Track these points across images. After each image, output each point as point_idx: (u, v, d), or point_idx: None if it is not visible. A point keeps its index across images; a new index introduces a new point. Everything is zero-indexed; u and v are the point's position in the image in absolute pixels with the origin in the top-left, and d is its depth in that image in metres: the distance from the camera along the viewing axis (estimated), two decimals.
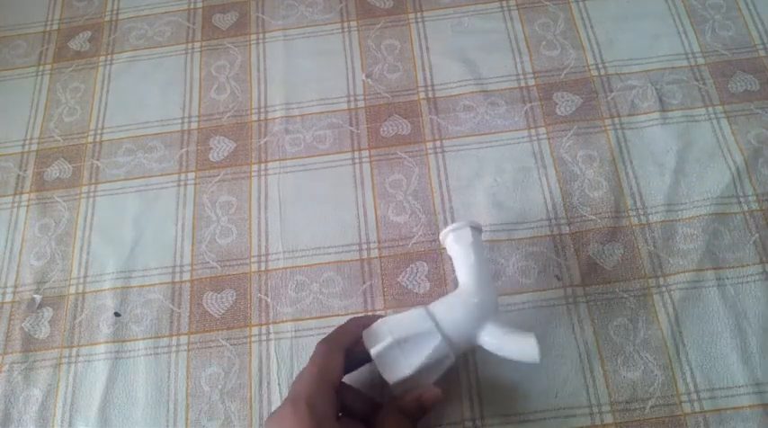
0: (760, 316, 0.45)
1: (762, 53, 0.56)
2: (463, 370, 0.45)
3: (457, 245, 0.43)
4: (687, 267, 0.47)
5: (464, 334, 0.41)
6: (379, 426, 0.38)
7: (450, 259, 0.45)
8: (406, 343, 0.39)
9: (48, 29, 0.64)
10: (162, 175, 0.55)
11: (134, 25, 0.63)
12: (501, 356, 0.42)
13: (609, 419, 0.43)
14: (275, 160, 0.54)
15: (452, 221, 0.50)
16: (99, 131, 0.57)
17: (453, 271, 0.46)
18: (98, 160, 0.56)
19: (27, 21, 0.65)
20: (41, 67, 0.62)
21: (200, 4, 0.64)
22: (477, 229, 0.44)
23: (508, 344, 0.41)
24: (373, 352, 0.39)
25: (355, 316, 0.43)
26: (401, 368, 0.39)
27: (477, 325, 0.41)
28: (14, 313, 0.50)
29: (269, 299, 0.49)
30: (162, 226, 0.52)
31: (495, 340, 0.41)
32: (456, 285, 0.43)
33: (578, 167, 0.52)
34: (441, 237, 0.45)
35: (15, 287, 0.51)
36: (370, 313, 0.47)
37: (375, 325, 0.40)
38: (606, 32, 0.58)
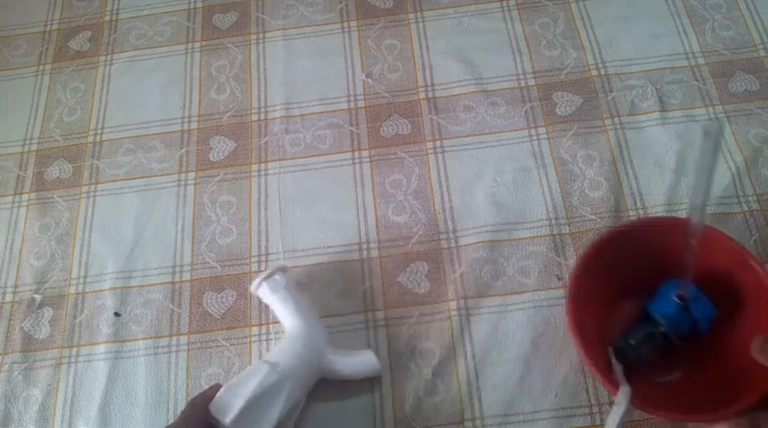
0: None
1: (762, 53, 0.56)
2: (463, 370, 0.45)
3: (273, 294, 0.44)
4: None
5: (309, 374, 0.42)
6: None
7: (271, 305, 0.46)
8: (258, 402, 0.39)
9: (48, 29, 0.64)
10: (162, 175, 0.55)
11: (134, 25, 0.63)
12: (347, 378, 0.43)
13: None
14: (275, 160, 0.54)
15: (453, 221, 0.50)
16: (99, 131, 0.57)
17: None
18: (98, 160, 0.56)
19: (27, 21, 0.65)
20: (41, 67, 0.62)
21: (200, 4, 0.64)
22: (283, 271, 0.46)
23: (350, 366, 0.43)
24: (228, 420, 0.38)
25: (192, 397, 0.41)
26: (261, 426, 0.38)
27: (318, 361, 0.43)
28: (14, 313, 0.50)
29: None
30: (162, 226, 0.52)
31: (337, 366, 0.43)
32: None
33: (578, 167, 0.52)
34: (252, 289, 0.45)
35: (15, 287, 0.51)
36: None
37: (219, 394, 0.39)
38: (606, 32, 0.58)
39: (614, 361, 0.40)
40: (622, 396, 0.36)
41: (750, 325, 0.40)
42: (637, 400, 0.37)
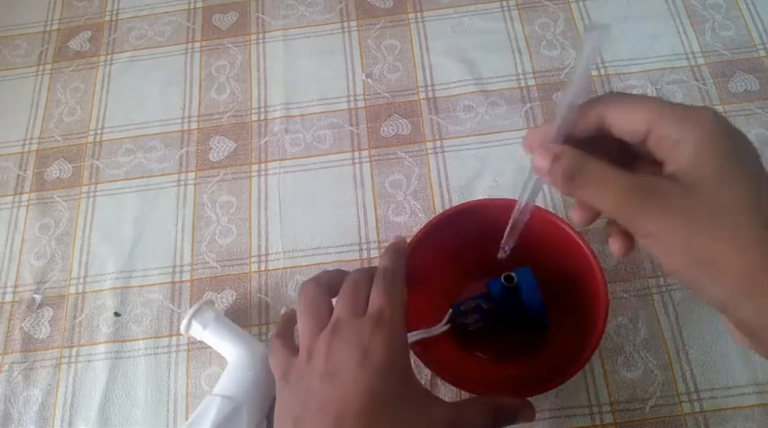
0: None
1: (762, 53, 0.56)
2: None
3: (205, 329, 0.44)
4: None
5: (262, 394, 0.42)
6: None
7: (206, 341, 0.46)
8: None
9: (48, 29, 0.64)
10: (162, 175, 0.55)
11: (134, 25, 0.63)
12: None
13: (609, 419, 0.43)
14: (275, 160, 0.54)
15: None
16: (99, 131, 0.57)
17: None
18: (98, 160, 0.56)
19: (27, 21, 0.65)
20: (41, 67, 0.62)
21: (200, 4, 0.64)
22: (208, 304, 0.46)
23: None
24: None
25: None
26: None
27: (267, 380, 0.42)
28: (14, 313, 0.50)
29: (269, 299, 0.49)
30: (162, 226, 0.52)
31: None
32: None
33: None
34: (182, 330, 0.45)
35: (15, 287, 0.51)
36: None
37: None
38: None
39: (447, 318, 0.42)
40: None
41: (577, 316, 0.41)
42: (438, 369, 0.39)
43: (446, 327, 0.41)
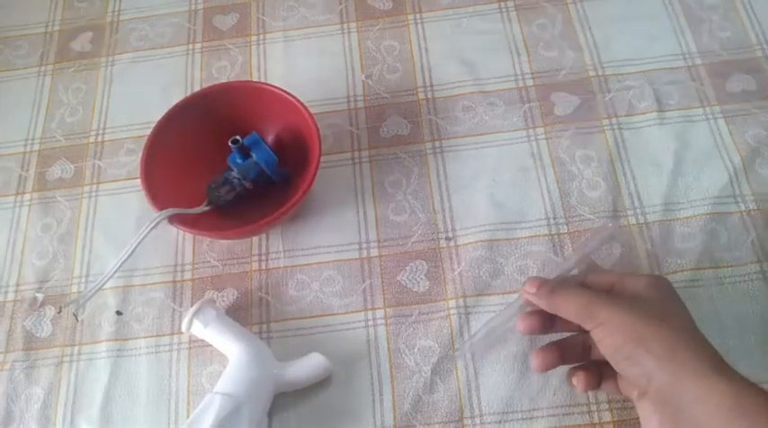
0: (758, 315, 0.45)
1: (759, 53, 0.56)
2: (463, 369, 0.45)
3: (206, 327, 0.45)
4: (685, 266, 0.47)
5: (263, 393, 0.42)
6: None
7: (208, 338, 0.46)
8: None
9: (49, 29, 0.64)
10: None
11: (135, 26, 0.63)
12: (303, 385, 0.44)
13: (607, 417, 0.43)
14: None
15: (452, 221, 0.51)
16: (101, 131, 0.58)
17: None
18: (100, 160, 0.56)
19: (29, 21, 0.65)
20: (43, 68, 0.62)
21: (200, 6, 0.64)
22: (209, 302, 0.46)
23: (301, 373, 0.44)
24: None
25: None
26: None
27: (268, 378, 0.43)
28: (16, 312, 0.50)
29: (269, 298, 0.49)
30: (162, 225, 0.52)
31: (289, 377, 0.44)
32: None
33: (576, 167, 0.52)
34: (183, 329, 0.45)
35: (17, 286, 0.51)
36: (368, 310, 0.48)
37: None
38: (604, 33, 0.58)
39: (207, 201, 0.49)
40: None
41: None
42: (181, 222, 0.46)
43: (207, 208, 0.48)
